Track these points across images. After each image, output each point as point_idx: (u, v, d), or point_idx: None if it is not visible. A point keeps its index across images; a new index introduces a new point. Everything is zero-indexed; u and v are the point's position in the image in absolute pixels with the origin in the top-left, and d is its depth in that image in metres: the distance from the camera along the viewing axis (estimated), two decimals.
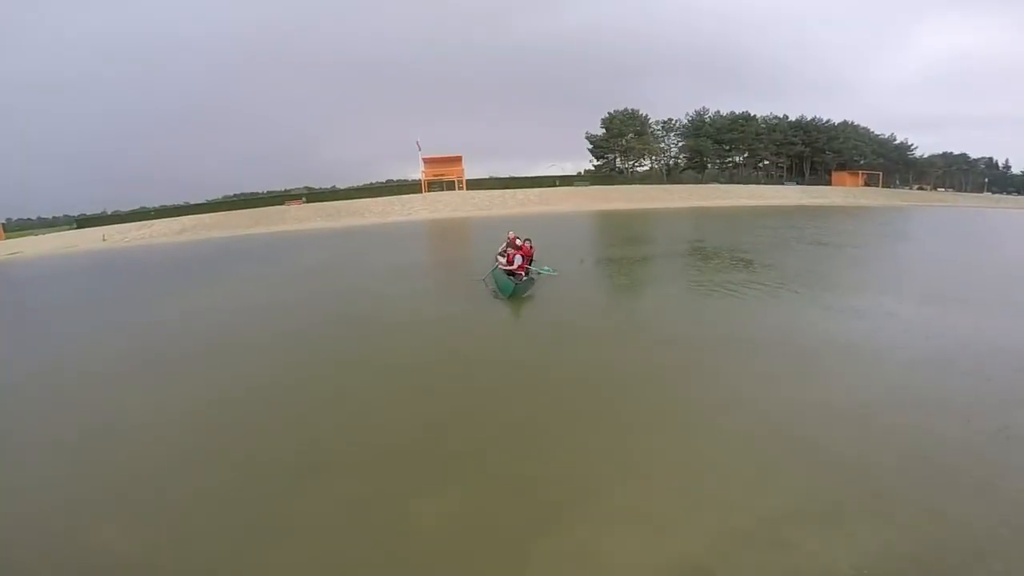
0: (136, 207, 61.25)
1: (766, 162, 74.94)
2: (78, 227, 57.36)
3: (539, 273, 11.25)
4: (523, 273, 10.78)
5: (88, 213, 62.99)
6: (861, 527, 3.27)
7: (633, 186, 56.96)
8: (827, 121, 73.70)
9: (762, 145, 71.32)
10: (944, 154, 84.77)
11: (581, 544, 3.21)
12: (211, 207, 55.73)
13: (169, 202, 61.08)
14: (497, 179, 57.98)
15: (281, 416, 5.43)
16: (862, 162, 73.31)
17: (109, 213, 60.60)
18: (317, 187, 61.44)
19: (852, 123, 74.04)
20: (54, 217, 68.38)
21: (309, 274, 16.23)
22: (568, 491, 3.78)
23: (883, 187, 70.52)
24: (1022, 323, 7.78)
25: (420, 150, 52.96)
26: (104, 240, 43.64)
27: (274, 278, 15.96)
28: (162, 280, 18.56)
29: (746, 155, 74.37)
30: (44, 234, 56.71)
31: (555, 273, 11.59)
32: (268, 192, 59.81)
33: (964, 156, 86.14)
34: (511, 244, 11.67)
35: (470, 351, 7.25)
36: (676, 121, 70.52)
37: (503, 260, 11.25)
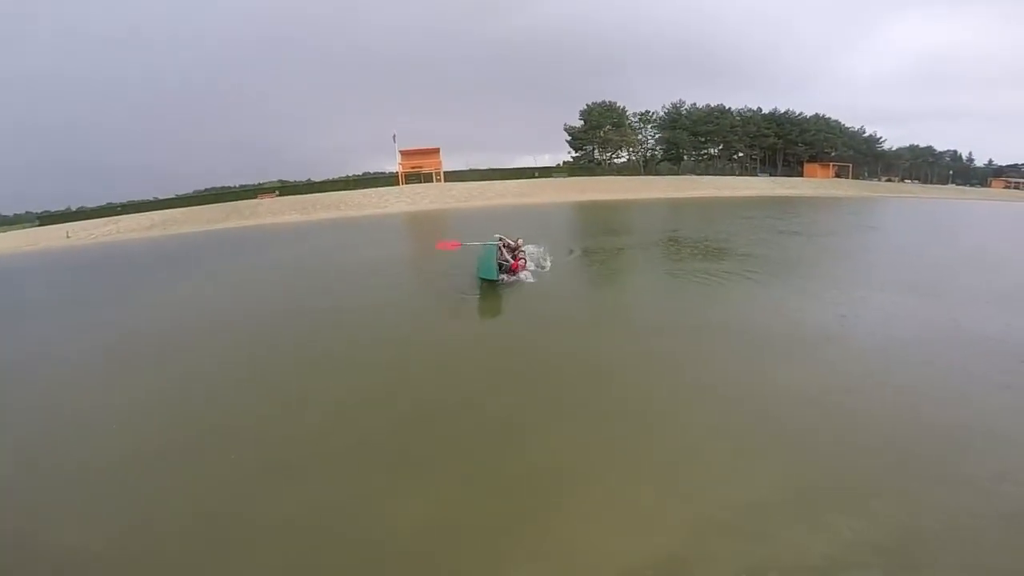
0: (103, 203, 59.01)
1: (740, 154, 75.83)
2: (40, 224, 55.23)
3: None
4: (514, 273, 10.46)
5: (52, 210, 60.57)
6: (833, 516, 3.24)
7: (610, 177, 57.10)
8: (800, 114, 74.91)
9: (736, 137, 72.15)
10: (911, 147, 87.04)
11: (559, 539, 3.16)
12: (182, 202, 54.09)
13: (138, 197, 59.01)
14: (476, 171, 57.44)
15: (248, 416, 5.24)
16: (833, 154, 74.84)
17: (74, 209, 58.35)
18: (292, 180, 60.11)
19: (824, 116, 75.37)
20: (15, 215, 65.51)
21: (279, 269, 15.79)
22: (545, 485, 3.73)
23: (852, 179, 72.18)
24: (993, 311, 7.92)
25: (396, 142, 52.22)
26: (68, 237, 42.16)
27: (243, 274, 15.51)
28: (126, 278, 17.91)
29: (721, 147, 75.11)
30: (4, 231, 54.44)
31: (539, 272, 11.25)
32: (241, 186, 58.13)
33: (930, 149, 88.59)
34: (507, 248, 11.32)
35: (445, 345, 7.10)
36: (653, 113, 70.86)
37: (505, 255, 10.85)
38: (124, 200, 58.80)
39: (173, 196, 56.78)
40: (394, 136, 52.11)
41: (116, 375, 6.82)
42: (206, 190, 60.23)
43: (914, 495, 3.45)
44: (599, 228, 22.76)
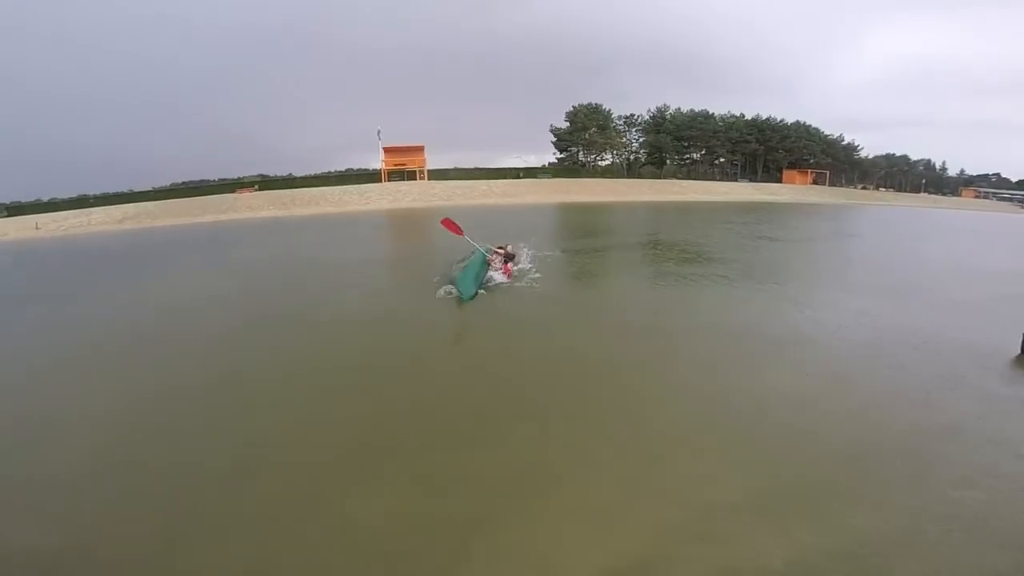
0: (75, 194, 57.12)
1: (722, 159, 76.84)
2: (8, 215, 53.24)
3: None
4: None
5: (22, 200, 58.42)
6: (795, 521, 3.18)
7: (595, 180, 57.42)
8: (781, 121, 76.21)
9: (718, 143, 73.10)
10: (887, 155, 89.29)
11: (524, 541, 3.09)
12: (157, 195, 52.58)
13: (112, 189, 57.28)
14: (461, 169, 57.14)
15: (210, 416, 5.03)
16: (812, 161, 76.25)
17: (45, 200, 56.35)
18: (272, 175, 59.00)
19: (804, 123, 76.83)
20: None
21: (251, 266, 15.43)
22: (512, 486, 3.64)
23: (829, 186, 73.67)
24: (963, 317, 8.00)
25: (380, 139, 51.69)
26: (37, 228, 40.81)
27: (214, 270, 15.12)
28: (94, 272, 17.35)
29: (703, 152, 76.05)
30: None
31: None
32: (220, 180, 56.77)
33: (905, 158, 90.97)
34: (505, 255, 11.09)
35: (416, 345, 6.93)
36: (638, 117, 71.50)
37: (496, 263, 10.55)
38: (99, 192, 57.10)
39: (149, 189, 55.13)
40: (379, 132, 51.75)
41: (87, 372, 6.52)
42: (184, 183, 58.73)
43: (878, 499, 3.41)
44: (580, 230, 22.85)
